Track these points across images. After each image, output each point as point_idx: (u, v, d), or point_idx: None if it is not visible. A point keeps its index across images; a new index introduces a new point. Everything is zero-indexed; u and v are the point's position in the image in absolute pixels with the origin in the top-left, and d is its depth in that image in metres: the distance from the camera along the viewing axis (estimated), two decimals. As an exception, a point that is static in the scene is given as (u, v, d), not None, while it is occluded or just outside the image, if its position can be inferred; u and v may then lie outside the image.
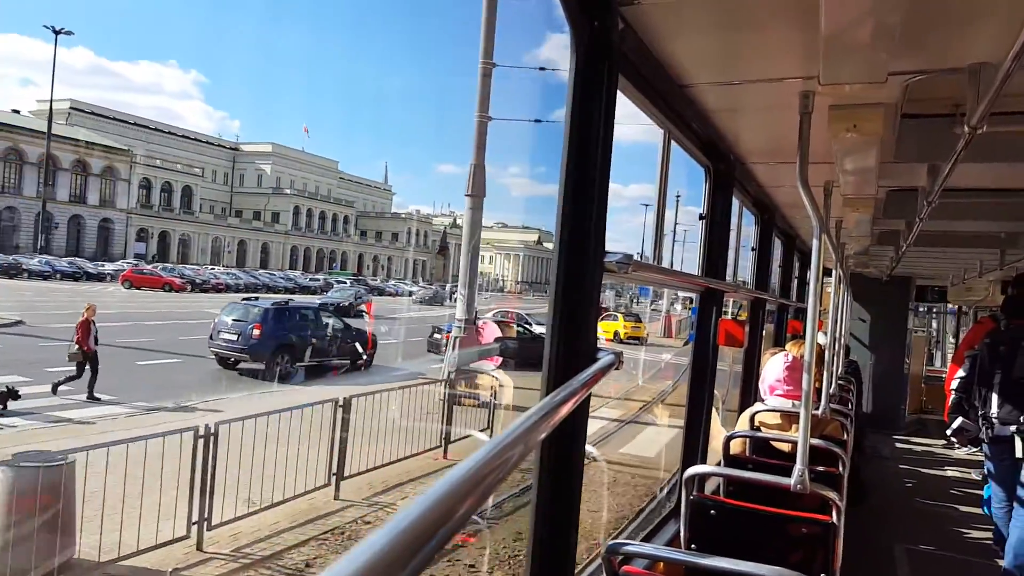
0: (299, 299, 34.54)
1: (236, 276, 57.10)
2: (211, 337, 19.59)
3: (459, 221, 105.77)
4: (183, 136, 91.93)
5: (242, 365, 19.25)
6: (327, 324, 21.65)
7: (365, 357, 21.21)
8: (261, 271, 69.49)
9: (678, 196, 44.78)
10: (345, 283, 55.52)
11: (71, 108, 75.30)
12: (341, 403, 9.70)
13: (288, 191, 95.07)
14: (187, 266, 61.67)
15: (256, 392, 16.37)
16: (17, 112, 69.35)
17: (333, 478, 9.46)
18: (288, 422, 9.01)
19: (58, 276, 47.58)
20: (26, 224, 62.18)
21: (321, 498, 9.21)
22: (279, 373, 18.83)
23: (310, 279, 65.81)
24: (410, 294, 65.26)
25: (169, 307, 35.55)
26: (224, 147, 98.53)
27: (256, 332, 19.09)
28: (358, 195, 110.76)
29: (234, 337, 19.17)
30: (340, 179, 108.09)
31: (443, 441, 11.76)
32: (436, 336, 23.50)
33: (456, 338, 17.15)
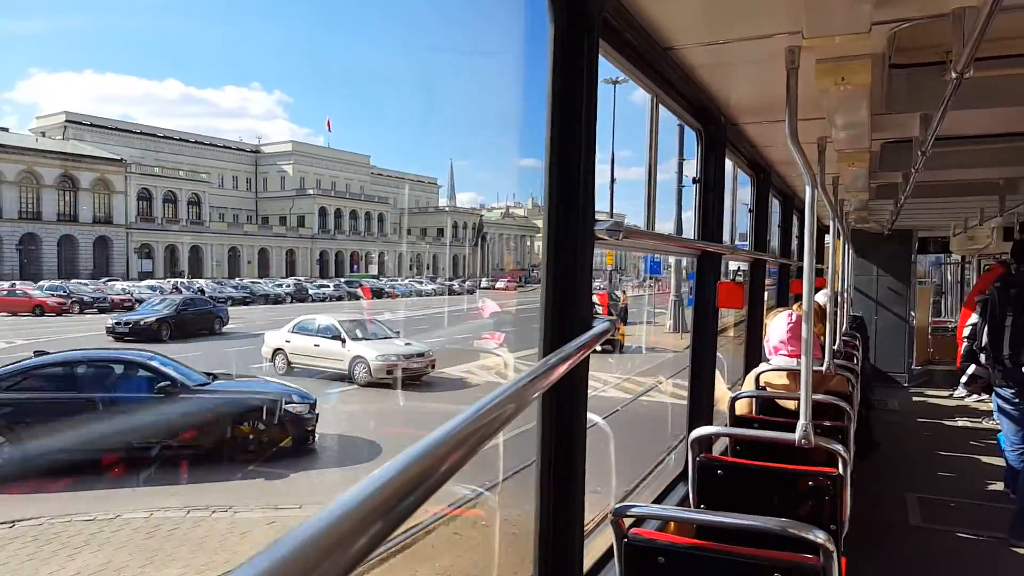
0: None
1: (166, 289, 44.09)
2: None
3: (512, 211, 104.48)
4: (196, 143, 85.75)
5: None
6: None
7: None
8: (237, 279, 60.95)
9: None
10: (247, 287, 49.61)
11: (66, 121, 71.71)
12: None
13: (311, 191, 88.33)
14: (197, 280, 54.69)
15: None
16: (5, 130, 64.64)
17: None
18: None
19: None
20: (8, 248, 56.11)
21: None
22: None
23: (274, 285, 56.27)
24: (419, 294, 61.17)
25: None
26: (244, 151, 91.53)
27: None
28: (399, 191, 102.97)
29: None
30: (372, 174, 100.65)
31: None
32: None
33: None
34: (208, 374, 12.86)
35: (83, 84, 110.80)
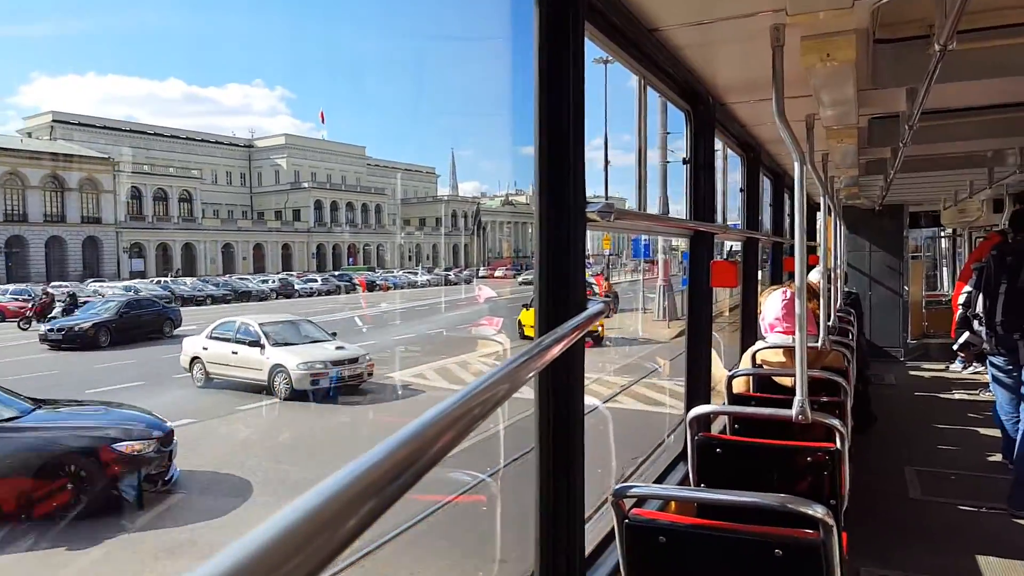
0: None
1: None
2: None
3: (513, 199, 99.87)
4: (188, 139, 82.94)
5: None
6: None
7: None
8: (190, 279, 54.81)
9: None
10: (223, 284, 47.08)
11: (53, 121, 69.99)
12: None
13: (306, 184, 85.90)
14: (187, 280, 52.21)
15: None
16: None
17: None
18: None
19: None
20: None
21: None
22: None
23: (259, 281, 52.27)
24: (413, 285, 58.33)
25: None
26: (237, 146, 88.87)
27: None
28: (396, 181, 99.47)
29: None
30: (368, 166, 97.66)
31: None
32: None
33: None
34: (33, 401, 9.84)
35: (86, 86, 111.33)
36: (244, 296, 45.30)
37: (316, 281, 54.26)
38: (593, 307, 1.62)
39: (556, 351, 1.13)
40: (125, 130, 76.09)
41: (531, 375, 1.01)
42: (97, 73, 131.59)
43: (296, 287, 50.65)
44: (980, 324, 5.48)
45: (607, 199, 1.96)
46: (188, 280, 51.35)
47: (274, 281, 52.39)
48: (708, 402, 3.42)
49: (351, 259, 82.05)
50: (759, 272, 5.75)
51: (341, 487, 0.50)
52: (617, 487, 1.88)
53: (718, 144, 3.94)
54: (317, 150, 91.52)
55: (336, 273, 66.16)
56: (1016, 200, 5.89)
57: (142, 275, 59.35)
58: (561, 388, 1.71)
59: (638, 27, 2.33)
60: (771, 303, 3.73)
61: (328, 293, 50.12)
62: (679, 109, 3.29)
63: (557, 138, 1.69)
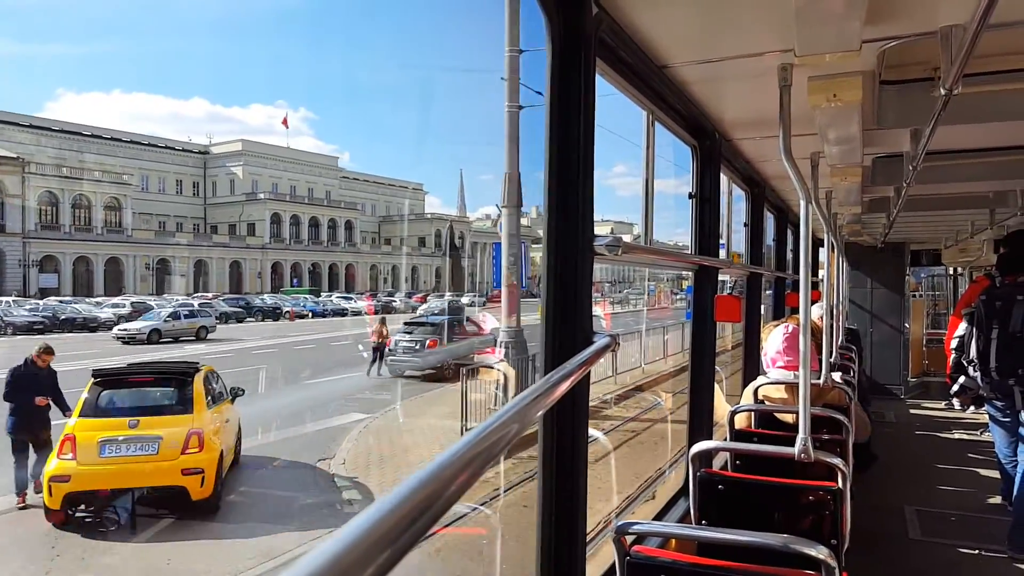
0: None
1: None
2: None
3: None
4: (133, 142, 73.01)
5: None
6: None
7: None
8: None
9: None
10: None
11: None
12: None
13: (262, 196, 76.87)
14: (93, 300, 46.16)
15: None
16: None
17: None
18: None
19: None
20: None
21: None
22: None
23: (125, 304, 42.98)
24: (340, 313, 51.46)
25: None
26: (191, 152, 79.53)
27: None
28: (378, 196, 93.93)
29: None
30: (342, 178, 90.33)
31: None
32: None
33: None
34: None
35: (111, 104, 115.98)
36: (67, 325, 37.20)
37: (192, 304, 43.66)
38: (600, 341, 1.62)
39: (564, 388, 1.13)
40: (54, 129, 66.96)
41: (540, 412, 1.00)
42: (123, 91, 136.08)
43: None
44: (975, 369, 5.47)
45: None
46: (53, 299, 44.50)
47: (126, 306, 42.66)
48: (710, 437, 3.40)
49: (295, 280, 75.18)
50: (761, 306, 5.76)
51: (354, 539, 0.49)
52: (619, 524, 1.87)
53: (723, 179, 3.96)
54: (280, 159, 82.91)
55: (273, 295, 59.25)
56: (999, 244, 5.90)
57: (56, 292, 52.68)
58: (566, 423, 1.70)
59: (647, 63, 2.36)
60: (773, 338, 3.74)
61: (222, 321, 41.92)
62: (685, 144, 3.32)
63: (567, 172, 1.70)
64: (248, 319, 47.56)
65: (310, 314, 51.14)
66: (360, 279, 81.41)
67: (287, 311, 49.77)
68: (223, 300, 50.62)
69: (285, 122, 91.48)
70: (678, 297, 57.47)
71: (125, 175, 67.02)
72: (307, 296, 59.99)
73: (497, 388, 13.55)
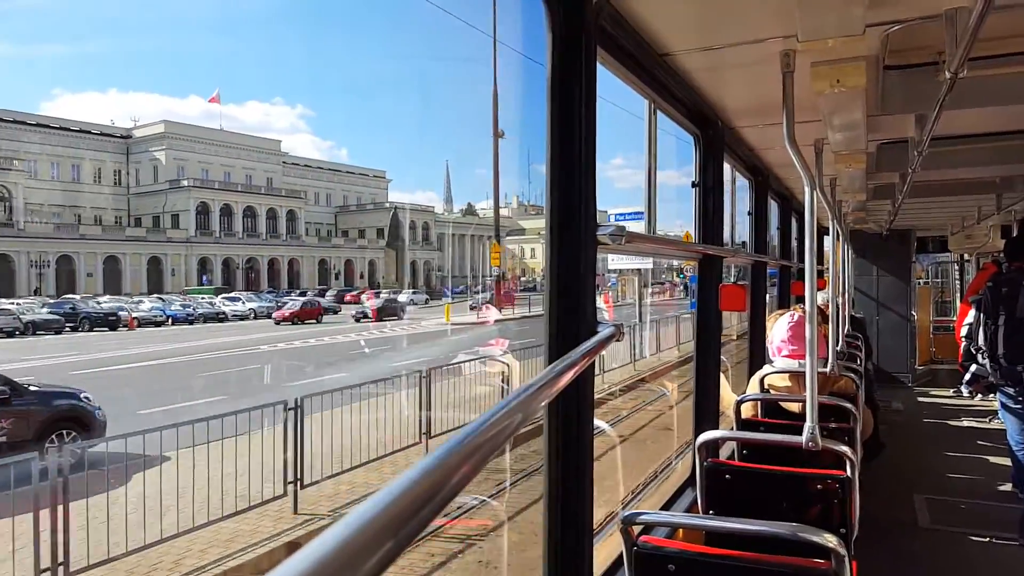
0: None
1: None
2: None
3: (478, 210, 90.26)
4: (39, 125, 63.94)
5: None
6: None
7: None
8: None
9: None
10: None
11: None
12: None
13: (186, 183, 67.80)
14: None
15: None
16: None
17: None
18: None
19: None
20: None
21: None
22: None
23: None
24: (218, 318, 44.34)
25: None
26: (111, 136, 70.22)
27: None
28: (333, 185, 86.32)
29: None
30: (285, 164, 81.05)
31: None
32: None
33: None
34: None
35: (107, 103, 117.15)
36: None
37: (13, 307, 37.86)
38: (604, 330, 1.61)
39: (568, 378, 1.12)
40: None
41: (544, 403, 1.00)
42: (119, 90, 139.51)
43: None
44: (984, 357, 5.45)
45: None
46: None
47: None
48: (717, 427, 3.39)
49: (205, 278, 66.83)
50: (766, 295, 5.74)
51: (358, 527, 0.48)
52: (626, 514, 1.86)
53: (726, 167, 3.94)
54: (210, 142, 73.41)
55: (180, 293, 51.13)
56: (1007, 229, 5.90)
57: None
58: (571, 413, 1.70)
59: (649, 52, 2.34)
60: (779, 327, 3.72)
61: (56, 331, 35.01)
62: (688, 133, 3.30)
63: (568, 162, 1.69)
64: (67, 329, 37.26)
65: (169, 320, 42.89)
66: (307, 275, 74.01)
67: (127, 318, 40.45)
68: (47, 305, 41.94)
69: (216, 98, 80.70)
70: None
71: (15, 160, 59.13)
72: (215, 294, 53.82)
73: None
